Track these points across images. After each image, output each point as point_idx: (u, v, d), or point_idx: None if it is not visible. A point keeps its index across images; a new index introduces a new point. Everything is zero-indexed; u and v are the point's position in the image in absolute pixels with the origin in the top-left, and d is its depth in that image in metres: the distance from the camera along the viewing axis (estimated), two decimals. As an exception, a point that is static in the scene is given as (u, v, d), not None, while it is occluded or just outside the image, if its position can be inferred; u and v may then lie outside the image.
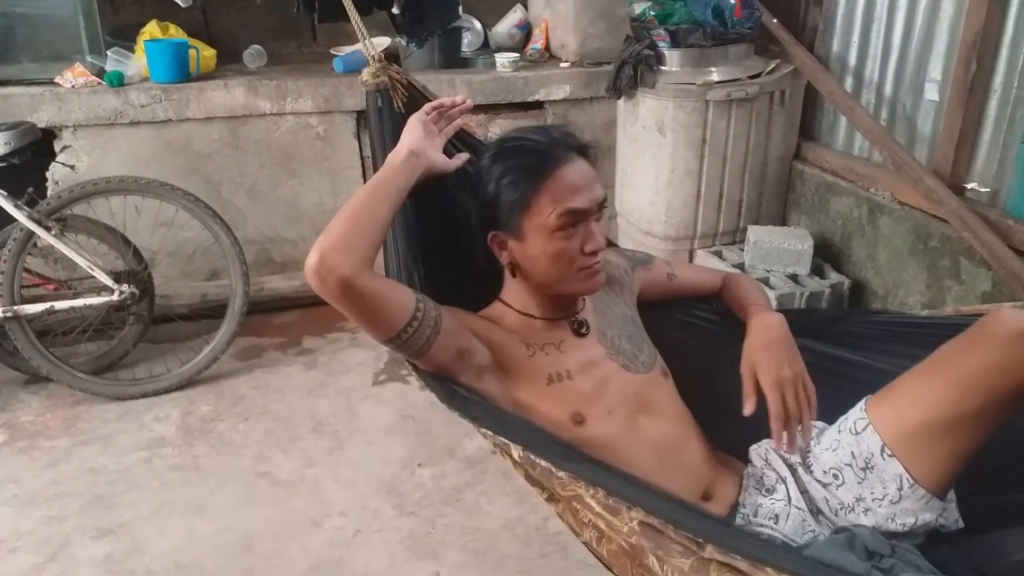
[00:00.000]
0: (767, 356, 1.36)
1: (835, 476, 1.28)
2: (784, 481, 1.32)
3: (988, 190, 2.37)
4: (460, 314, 1.33)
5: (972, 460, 1.21)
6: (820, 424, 1.39)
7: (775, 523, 1.26)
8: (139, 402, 2.67)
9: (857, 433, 1.27)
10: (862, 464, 1.25)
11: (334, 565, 1.99)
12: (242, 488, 2.27)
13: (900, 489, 1.21)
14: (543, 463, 1.13)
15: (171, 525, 2.13)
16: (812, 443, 1.35)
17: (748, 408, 1.34)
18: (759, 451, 1.40)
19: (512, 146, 1.35)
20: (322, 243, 1.15)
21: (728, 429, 1.44)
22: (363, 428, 2.54)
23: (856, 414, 1.29)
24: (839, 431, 1.31)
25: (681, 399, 1.45)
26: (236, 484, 2.29)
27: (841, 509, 1.27)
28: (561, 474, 1.10)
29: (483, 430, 1.22)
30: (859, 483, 1.25)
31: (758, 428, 1.38)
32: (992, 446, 1.22)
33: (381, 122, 1.50)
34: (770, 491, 1.33)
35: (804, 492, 1.31)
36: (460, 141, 1.53)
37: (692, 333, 1.63)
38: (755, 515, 1.30)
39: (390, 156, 1.34)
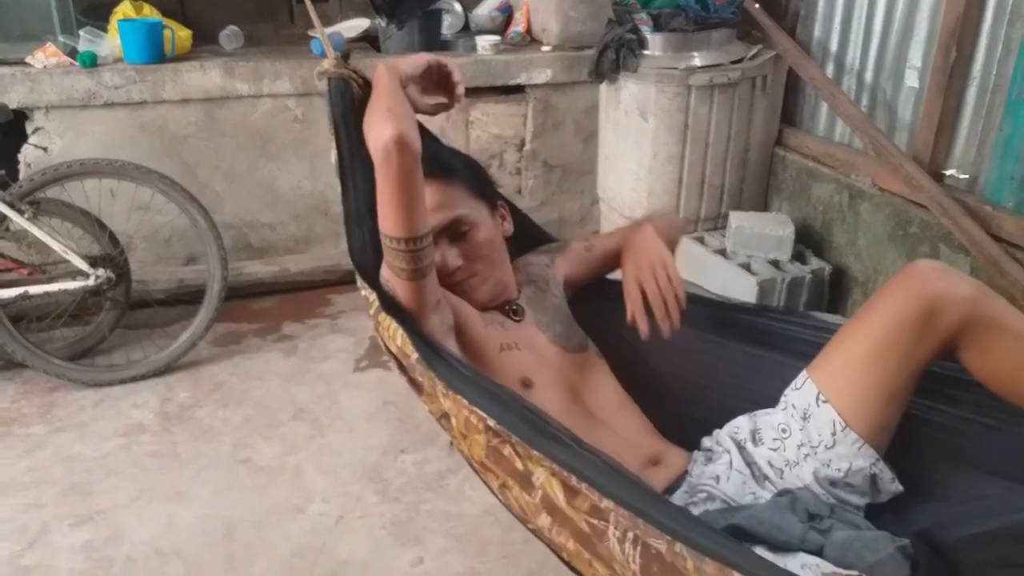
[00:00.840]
0: (632, 257, 1.49)
1: (783, 431, 1.34)
2: (728, 452, 1.37)
3: (967, 176, 2.40)
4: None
5: (901, 415, 1.27)
6: (768, 409, 1.42)
7: (716, 482, 1.32)
8: (116, 388, 2.63)
9: (798, 388, 1.34)
10: (801, 414, 1.31)
11: (316, 551, 1.98)
12: (222, 475, 2.25)
13: (834, 434, 1.27)
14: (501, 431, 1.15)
15: (150, 512, 2.11)
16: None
17: (628, 315, 1.45)
18: (709, 438, 1.45)
19: None
20: (396, 123, 1.17)
21: (680, 423, 1.50)
22: (344, 415, 2.52)
23: (800, 376, 1.35)
24: (785, 393, 1.37)
25: (618, 381, 1.53)
26: (216, 471, 2.27)
27: (786, 466, 1.31)
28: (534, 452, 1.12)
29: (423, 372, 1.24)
30: (801, 430, 1.31)
31: (711, 423, 1.45)
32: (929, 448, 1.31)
33: (345, 107, 1.49)
34: (715, 461, 1.38)
35: (751, 463, 1.35)
36: None
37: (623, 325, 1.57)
38: (700, 480, 1.35)
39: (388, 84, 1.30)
